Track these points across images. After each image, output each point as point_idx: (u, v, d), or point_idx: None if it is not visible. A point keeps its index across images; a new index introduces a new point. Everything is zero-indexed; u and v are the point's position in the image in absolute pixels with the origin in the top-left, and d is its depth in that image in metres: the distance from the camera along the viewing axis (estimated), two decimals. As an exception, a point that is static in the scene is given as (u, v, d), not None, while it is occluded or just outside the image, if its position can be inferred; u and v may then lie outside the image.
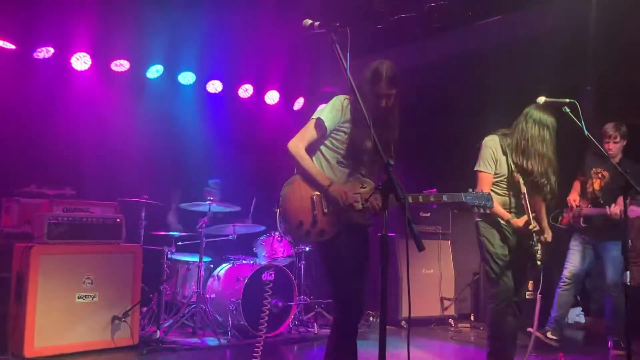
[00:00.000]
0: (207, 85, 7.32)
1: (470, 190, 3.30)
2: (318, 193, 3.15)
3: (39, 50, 5.97)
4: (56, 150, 5.98)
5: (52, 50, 6.01)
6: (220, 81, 7.35)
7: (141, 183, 6.00)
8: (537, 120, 3.91)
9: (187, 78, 7.08)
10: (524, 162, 3.88)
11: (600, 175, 5.26)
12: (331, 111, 3.22)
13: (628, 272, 3.78)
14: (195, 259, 5.75)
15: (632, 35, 5.57)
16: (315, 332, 5.86)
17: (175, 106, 7.01)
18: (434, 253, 6.84)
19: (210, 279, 5.89)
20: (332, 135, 3.23)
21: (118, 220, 5.06)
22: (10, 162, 5.66)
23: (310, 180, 3.16)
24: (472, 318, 6.97)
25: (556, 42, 5.88)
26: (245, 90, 7.65)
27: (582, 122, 3.81)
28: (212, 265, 6.05)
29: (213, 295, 5.70)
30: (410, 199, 3.14)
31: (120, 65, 6.50)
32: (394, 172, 2.49)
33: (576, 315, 6.68)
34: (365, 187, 3.17)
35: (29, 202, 5.23)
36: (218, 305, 5.61)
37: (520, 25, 5.82)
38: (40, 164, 5.85)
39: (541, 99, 3.90)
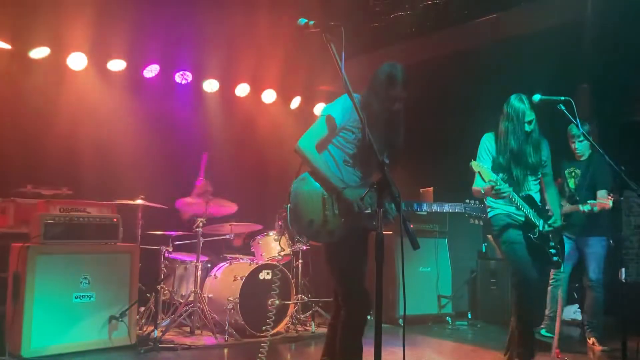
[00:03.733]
0: (203, 84, 7.31)
1: (468, 201, 3.35)
2: (329, 194, 3.14)
3: (34, 50, 5.96)
4: (52, 150, 5.97)
5: (47, 49, 6.00)
6: (217, 80, 7.34)
7: (138, 182, 5.99)
8: (505, 114, 3.96)
9: (183, 77, 7.07)
10: (499, 157, 3.93)
11: (573, 174, 5.33)
12: (342, 109, 3.21)
13: (624, 269, 3.79)
14: (193, 258, 5.74)
15: (628, 33, 5.58)
16: (313, 330, 5.87)
17: (172, 105, 7.00)
18: (431, 251, 6.84)
19: (208, 278, 5.89)
20: (341, 133, 3.23)
21: (115, 220, 5.05)
22: (7, 162, 5.65)
23: (322, 181, 3.15)
24: (470, 316, 6.99)
25: (552, 40, 5.89)
26: (242, 89, 7.65)
27: (578, 120, 3.83)
28: (209, 265, 6.05)
29: (210, 295, 5.70)
30: (414, 207, 3.17)
31: (117, 64, 6.49)
32: (398, 171, 2.51)
33: (573, 312, 6.70)
34: (373, 190, 3.17)
35: (26, 202, 5.21)
36: (215, 305, 5.61)
37: (516, 23, 5.83)
38: (36, 164, 5.84)
39: (536, 97, 3.92)
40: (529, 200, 3.92)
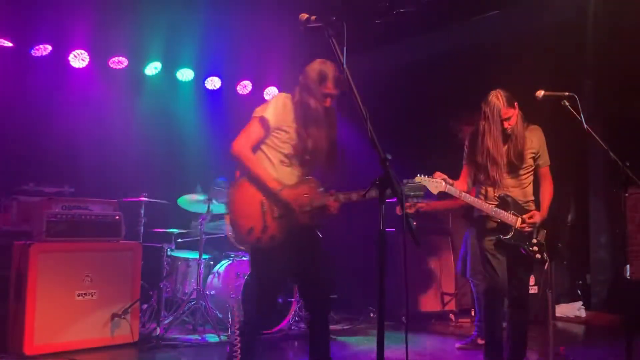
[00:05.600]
0: (205, 82, 7.30)
1: (405, 181, 3.30)
2: (266, 197, 3.15)
3: (36, 47, 5.95)
4: (54, 148, 5.97)
5: (49, 47, 5.99)
6: (219, 77, 7.32)
7: (140, 180, 5.99)
8: (482, 113, 3.94)
9: (185, 75, 7.05)
10: (477, 156, 3.93)
11: None
12: (275, 110, 3.23)
13: (628, 266, 3.76)
14: (195, 255, 5.74)
15: (631, 29, 5.55)
16: (316, 328, 5.85)
17: (174, 103, 6.99)
18: (434, 248, 6.82)
19: (210, 276, 5.89)
20: (274, 134, 3.24)
21: (117, 217, 5.05)
22: (9, 160, 5.65)
23: (259, 184, 3.15)
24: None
25: (556, 36, 5.86)
26: (244, 87, 7.63)
27: (582, 116, 3.80)
28: (212, 262, 6.04)
29: (213, 292, 5.69)
30: (341, 198, 3.18)
31: (118, 62, 6.48)
32: (396, 167, 2.50)
33: (577, 309, 6.68)
34: (311, 187, 3.23)
35: (28, 200, 5.21)
36: (218, 302, 5.60)
37: (520, 19, 5.80)
38: (38, 161, 5.84)
39: (540, 93, 3.89)
40: (504, 200, 3.90)
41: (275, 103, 3.25)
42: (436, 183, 3.70)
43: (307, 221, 3.20)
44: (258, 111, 3.26)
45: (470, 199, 3.85)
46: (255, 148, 3.25)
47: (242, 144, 3.17)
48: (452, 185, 3.78)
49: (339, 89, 3.24)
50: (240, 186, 3.18)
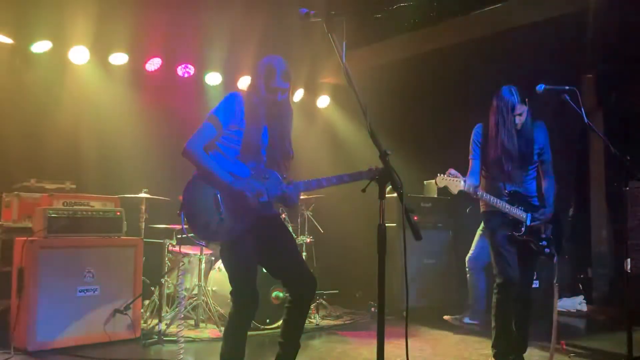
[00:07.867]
0: (205, 77, 7.29)
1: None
2: (220, 190, 3.18)
3: (36, 43, 5.94)
4: (55, 144, 5.96)
5: (49, 43, 5.98)
6: (219, 73, 7.31)
7: (141, 176, 5.99)
8: (495, 107, 3.94)
9: (186, 70, 7.04)
10: (490, 151, 3.93)
11: None
12: (225, 109, 3.28)
13: (629, 260, 3.77)
14: (197, 251, 5.74)
15: (632, 22, 5.53)
16: (317, 323, 5.87)
17: (174, 98, 6.98)
18: (435, 243, 6.82)
19: (212, 272, 5.90)
20: (227, 131, 3.28)
21: (118, 213, 5.05)
22: (10, 156, 5.65)
23: (212, 179, 3.19)
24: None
25: (556, 30, 5.84)
26: (245, 82, 7.61)
27: (582, 110, 3.80)
28: (213, 258, 6.05)
29: (215, 288, 5.70)
30: (301, 186, 3.25)
31: (119, 58, 6.47)
32: (398, 162, 2.50)
33: (578, 303, 6.69)
34: (267, 178, 3.24)
35: (29, 197, 5.22)
36: (220, 298, 5.61)
37: (520, 12, 5.77)
38: (39, 158, 5.84)
39: (541, 86, 3.88)
40: (513, 195, 3.91)
41: (226, 102, 3.31)
42: (456, 182, 3.72)
43: (268, 211, 3.25)
44: (211, 111, 3.33)
45: (487, 196, 3.86)
46: (210, 146, 3.30)
47: (193, 143, 3.24)
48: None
49: (288, 83, 3.28)
50: (194, 183, 3.23)
